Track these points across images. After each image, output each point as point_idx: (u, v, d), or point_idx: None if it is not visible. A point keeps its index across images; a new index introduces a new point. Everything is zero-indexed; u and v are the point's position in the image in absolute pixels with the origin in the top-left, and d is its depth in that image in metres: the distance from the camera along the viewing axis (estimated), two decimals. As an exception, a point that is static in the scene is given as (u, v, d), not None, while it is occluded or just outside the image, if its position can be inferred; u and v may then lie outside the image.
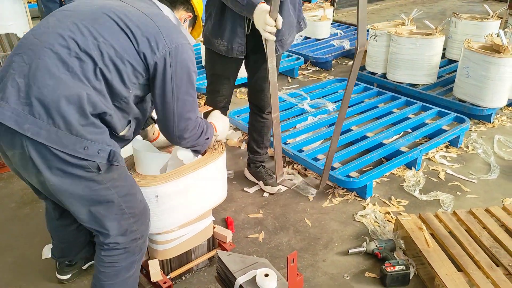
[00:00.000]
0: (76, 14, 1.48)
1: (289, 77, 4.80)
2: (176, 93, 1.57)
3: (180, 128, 1.65)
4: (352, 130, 3.36)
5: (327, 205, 2.68)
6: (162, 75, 1.52)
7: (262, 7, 1.99)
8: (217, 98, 2.53)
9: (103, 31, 1.44)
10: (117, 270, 1.63)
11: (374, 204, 2.67)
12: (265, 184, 2.79)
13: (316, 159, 2.95)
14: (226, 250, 2.19)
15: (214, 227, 2.22)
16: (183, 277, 2.14)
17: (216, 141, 2.03)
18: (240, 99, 4.29)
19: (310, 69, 5.06)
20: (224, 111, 2.55)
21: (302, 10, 2.49)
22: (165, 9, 1.68)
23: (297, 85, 4.55)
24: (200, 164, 1.88)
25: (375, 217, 2.55)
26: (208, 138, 1.83)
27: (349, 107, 3.75)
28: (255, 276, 1.68)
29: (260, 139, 2.76)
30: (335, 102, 3.81)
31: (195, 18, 1.86)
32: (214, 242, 2.23)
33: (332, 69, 5.05)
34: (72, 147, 1.37)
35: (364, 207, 2.65)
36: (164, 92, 1.56)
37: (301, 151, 3.03)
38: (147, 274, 2.02)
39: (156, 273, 1.96)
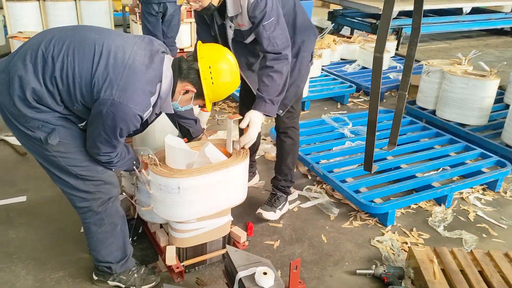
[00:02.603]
0: (76, 33, 1.77)
1: (339, 103, 4.91)
2: (97, 127, 1.76)
3: (91, 150, 1.86)
4: (387, 159, 3.40)
5: (347, 226, 2.76)
6: (97, 110, 1.72)
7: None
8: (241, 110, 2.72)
9: (78, 53, 1.69)
10: (87, 226, 2.02)
11: (394, 233, 2.71)
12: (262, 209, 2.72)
13: (344, 181, 3.04)
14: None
15: (231, 227, 2.40)
16: (196, 268, 2.33)
17: (242, 148, 2.22)
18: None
19: (361, 98, 5.14)
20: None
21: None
22: (168, 75, 1.82)
23: (345, 111, 4.65)
24: (223, 165, 2.07)
25: (392, 244, 2.59)
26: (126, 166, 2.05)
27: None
28: (255, 273, 1.82)
29: (279, 163, 2.74)
30: (377, 131, 3.86)
31: (201, 95, 1.92)
32: (229, 241, 2.40)
33: (384, 100, 5.10)
34: (18, 118, 1.74)
35: (383, 234, 2.70)
36: (92, 120, 1.77)
37: (331, 171, 3.14)
38: (164, 258, 2.22)
39: (171, 258, 2.17)
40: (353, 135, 3.74)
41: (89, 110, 1.77)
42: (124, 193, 2.45)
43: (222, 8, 2.18)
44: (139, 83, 1.72)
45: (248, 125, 2.19)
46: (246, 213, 2.82)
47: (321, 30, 7.15)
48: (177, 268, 2.17)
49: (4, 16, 5.54)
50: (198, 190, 2.02)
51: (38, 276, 2.24)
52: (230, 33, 2.29)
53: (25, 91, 1.69)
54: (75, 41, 1.72)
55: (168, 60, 1.85)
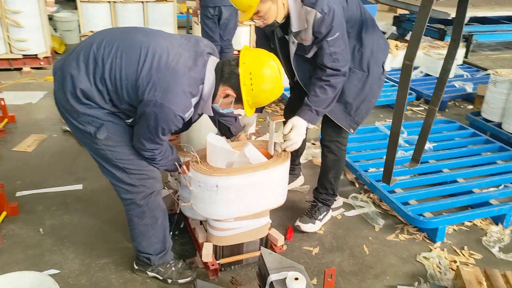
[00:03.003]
0: (126, 36, 1.85)
1: (396, 111, 4.72)
2: (142, 125, 1.85)
3: (136, 145, 1.94)
4: (443, 172, 3.23)
5: (392, 239, 2.65)
6: (142, 110, 1.81)
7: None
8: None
9: (125, 56, 1.78)
10: (130, 217, 2.11)
11: (443, 250, 2.56)
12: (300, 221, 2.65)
13: (392, 192, 2.93)
14: (276, 252, 2.33)
15: (270, 229, 2.39)
16: (233, 267, 2.34)
17: (284, 150, 2.21)
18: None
19: (422, 107, 4.92)
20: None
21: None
22: (211, 78, 1.87)
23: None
24: (262, 166, 2.07)
25: (439, 262, 2.45)
26: (170, 165, 2.12)
27: (448, 149, 3.61)
28: (286, 277, 1.81)
29: (321, 176, 2.66)
30: (435, 142, 3.68)
31: (241, 100, 1.92)
32: (267, 243, 2.40)
33: (447, 110, 4.84)
34: (71, 112, 1.87)
35: (431, 250, 2.56)
36: (138, 119, 1.87)
37: (379, 181, 3.02)
38: (201, 254, 2.26)
39: (207, 255, 2.20)
40: (407, 145, 3.59)
41: (135, 109, 1.86)
42: (166, 188, 2.52)
43: (285, 23, 2.16)
44: (180, 84, 1.77)
45: (291, 130, 2.18)
46: (288, 217, 2.80)
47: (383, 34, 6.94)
48: (213, 265, 2.20)
49: (78, 16, 5.94)
50: (236, 190, 2.04)
51: (85, 260, 2.37)
52: (293, 49, 2.25)
53: (76, 89, 1.81)
54: (123, 44, 1.81)
55: (212, 62, 1.89)
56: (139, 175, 2.00)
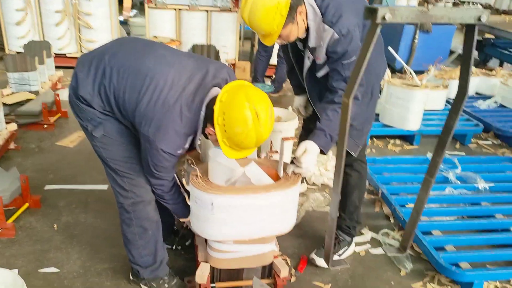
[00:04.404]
0: (137, 58, 1.78)
1: (458, 143, 4.28)
2: (143, 158, 1.85)
3: (147, 171, 1.90)
4: (496, 217, 2.81)
5: (418, 287, 2.32)
6: (141, 140, 1.81)
7: None
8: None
9: (131, 80, 1.74)
10: (120, 222, 2.06)
11: (477, 310, 2.19)
12: (315, 254, 2.44)
13: (428, 233, 2.59)
14: (277, 284, 2.13)
15: (276, 257, 2.19)
16: (230, 293, 2.18)
17: (294, 173, 2.01)
18: (390, 150, 4.05)
19: (490, 141, 4.40)
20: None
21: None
22: (202, 115, 1.76)
23: (462, 153, 4.02)
24: (264, 189, 1.90)
25: (470, 323, 2.09)
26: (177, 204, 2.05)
27: (508, 192, 3.15)
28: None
29: (343, 199, 2.39)
30: (493, 182, 3.23)
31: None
32: (270, 272, 2.20)
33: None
34: (75, 107, 1.87)
35: (462, 307, 2.20)
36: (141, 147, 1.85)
37: (416, 219, 2.69)
38: (198, 274, 2.13)
39: (201, 276, 2.05)
40: (458, 182, 3.19)
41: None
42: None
43: (306, 37, 2.03)
44: (173, 124, 1.71)
45: (303, 153, 1.99)
46: (306, 246, 2.58)
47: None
48: (205, 288, 2.06)
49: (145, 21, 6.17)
50: (233, 211, 1.88)
51: (86, 263, 2.35)
52: (307, 64, 2.13)
53: (78, 92, 1.80)
54: (133, 66, 1.76)
55: (209, 98, 1.77)
56: (130, 179, 1.94)
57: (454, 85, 5.15)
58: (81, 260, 2.36)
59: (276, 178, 2.04)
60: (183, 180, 2.46)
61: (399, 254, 1.69)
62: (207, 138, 1.88)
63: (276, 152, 2.70)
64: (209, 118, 1.73)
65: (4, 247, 2.41)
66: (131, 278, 2.20)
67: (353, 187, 2.36)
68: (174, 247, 2.43)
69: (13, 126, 3.53)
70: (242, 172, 1.98)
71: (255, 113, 1.65)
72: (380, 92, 2.34)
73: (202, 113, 1.75)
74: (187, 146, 1.80)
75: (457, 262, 2.35)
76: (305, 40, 2.03)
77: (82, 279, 2.23)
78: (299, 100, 2.53)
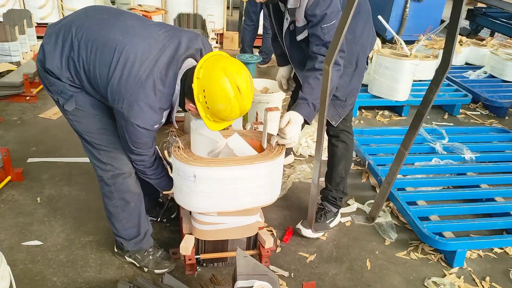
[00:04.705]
0: (104, 30, 1.68)
1: (447, 113, 4.27)
2: (121, 136, 1.79)
3: (126, 149, 1.86)
4: (481, 187, 2.83)
5: (401, 256, 2.35)
6: (116, 117, 1.75)
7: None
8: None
9: (100, 54, 1.66)
10: (102, 196, 2.03)
11: (459, 278, 2.22)
12: (301, 224, 2.44)
13: (413, 203, 2.60)
14: (262, 255, 2.14)
15: (260, 228, 2.19)
16: (215, 264, 2.18)
17: (278, 144, 1.99)
18: (378, 121, 4.03)
19: (478, 111, 4.40)
20: None
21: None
22: (177, 89, 1.71)
23: (451, 124, 4.02)
24: (247, 160, 1.87)
25: (451, 290, 2.13)
26: (160, 177, 2.00)
27: (493, 162, 3.17)
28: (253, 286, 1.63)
29: (330, 170, 2.43)
30: (479, 152, 3.24)
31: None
32: (255, 243, 2.20)
33: (506, 117, 4.29)
34: (45, 80, 1.79)
35: (444, 275, 2.23)
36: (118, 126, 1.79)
37: (402, 189, 2.71)
38: (182, 246, 2.12)
39: (185, 247, 2.05)
40: (445, 152, 3.19)
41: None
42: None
43: None
44: (147, 99, 1.64)
45: (287, 124, 1.96)
46: (292, 217, 2.58)
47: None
48: (189, 259, 2.06)
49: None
50: (216, 182, 1.86)
51: (70, 235, 2.33)
52: (285, 26, 2.08)
53: (46, 64, 1.72)
54: (100, 39, 1.67)
55: (183, 70, 1.70)
56: (107, 152, 1.90)
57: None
58: (65, 233, 2.34)
59: (261, 149, 2.01)
60: (165, 152, 2.43)
61: (366, 223, 1.69)
62: (185, 111, 1.84)
63: (261, 123, 2.66)
64: (187, 93, 1.68)
65: (-14, 221, 2.39)
66: (116, 250, 2.19)
67: (339, 158, 2.35)
68: (159, 220, 2.42)
69: (-6, 98, 3.44)
70: (224, 144, 1.95)
71: (236, 87, 1.60)
72: (367, 64, 2.26)
73: (177, 87, 1.70)
74: (163, 120, 1.75)
75: (441, 231, 2.37)
76: (286, 1, 1.97)
77: (66, 252, 2.21)
78: (282, 71, 2.48)
